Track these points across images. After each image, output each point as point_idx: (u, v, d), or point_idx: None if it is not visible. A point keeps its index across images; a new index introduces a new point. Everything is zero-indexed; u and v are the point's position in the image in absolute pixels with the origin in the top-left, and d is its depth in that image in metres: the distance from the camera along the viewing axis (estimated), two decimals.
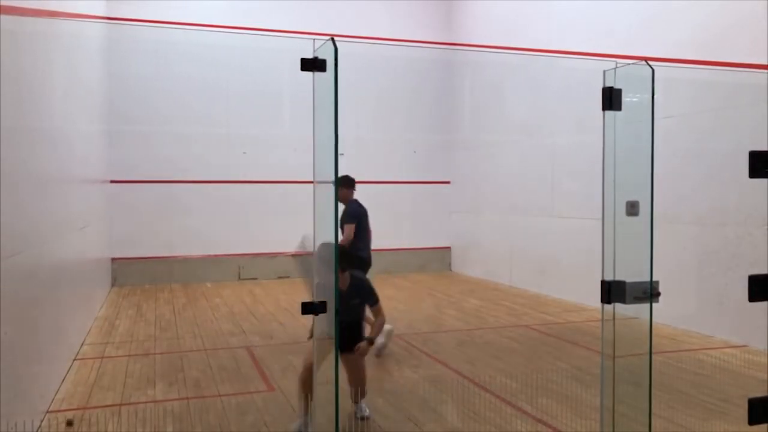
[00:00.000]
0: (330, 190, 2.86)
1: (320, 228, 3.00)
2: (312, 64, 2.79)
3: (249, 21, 11.42)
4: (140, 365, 5.90)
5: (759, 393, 1.96)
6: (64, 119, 6.20)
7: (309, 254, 3.27)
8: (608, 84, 2.98)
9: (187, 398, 4.92)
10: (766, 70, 6.10)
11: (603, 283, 2.92)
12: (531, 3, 10.28)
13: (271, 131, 11.58)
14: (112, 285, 10.86)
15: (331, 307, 2.88)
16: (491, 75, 11.85)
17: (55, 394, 4.97)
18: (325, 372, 3.22)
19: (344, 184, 6.45)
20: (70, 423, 4.40)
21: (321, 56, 2.79)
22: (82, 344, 6.69)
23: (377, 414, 4.49)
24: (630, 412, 3.10)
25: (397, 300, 9.36)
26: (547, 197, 9.85)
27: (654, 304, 2.90)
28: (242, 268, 11.68)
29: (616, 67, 2.97)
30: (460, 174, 12.76)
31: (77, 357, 6.18)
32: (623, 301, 2.87)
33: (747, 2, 6.46)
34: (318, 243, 3.08)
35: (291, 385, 5.02)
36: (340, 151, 2.74)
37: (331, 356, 3.00)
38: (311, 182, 2.95)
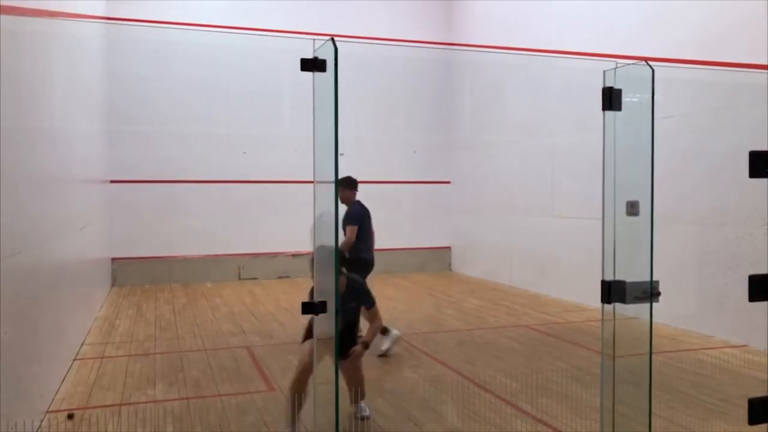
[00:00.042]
0: (330, 190, 2.86)
1: (320, 228, 3.00)
2: (312, 64, 2.79)
3: (249, 21, 11.42)
4: (140, 365, 5.89)
5: (759, 393, 1.96)
6: (64, 119, 6.20)
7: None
8: (608, 84, 2.98)
9: (187, 398, 4.92)
10: (766, 70, 6.10)
11: (603, 283, 2.92)
12: (531, 3, 10.28)
13: (271, 131, 11.58)
14: (112, 285, 10.86)
15: (331, 307, 2.88)
16: (491, 75, 11.85)
17: (55, 394, 4.97)
18: (324, 372, 3.22)
19: (346, 186, 6.40)
20: (70, 416, 4.42)
21: (321, 56, 2.79)
22: (82, 344, 6.69)
23: (377, 414, 4.49)
24: (630, 412, 3.10)
25: (397, 300, 9.36)
26: (547, 197, 9.85)
27: (654, 304, 2.90)
28: (242, 268, 11.68)
29: (616, 68, 2.96)
30: (460, 174, 12.76)
31: (77, 357, 6.18)
32: (623, 301, 2.86)
33: (747, 2, 6.46)
34: (317, 244, 3.08)
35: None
36: (340, 151, 2.74)
37: (328, 358, 2.99)
38: (311, 182, 2.95)
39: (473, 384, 5.24)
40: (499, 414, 4.53)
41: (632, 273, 2.88)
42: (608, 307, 2.94)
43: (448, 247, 13.06)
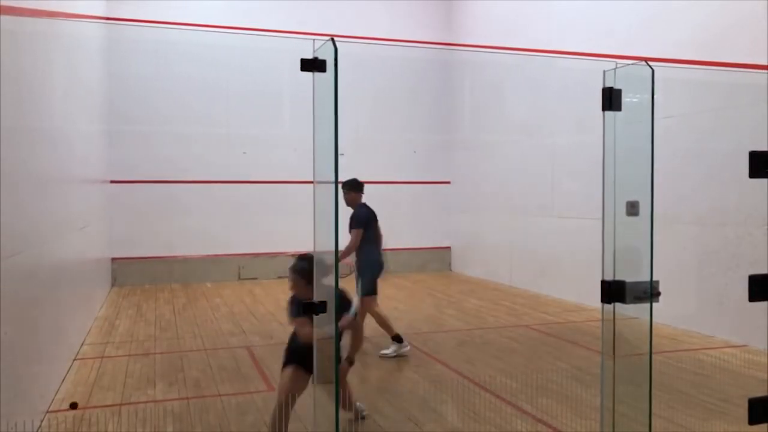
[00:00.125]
0: (330, 191, 2.85)
1: (320, 229, 2.99)
2: (312, 65, 2.79)
3: (249, 21, 11.42)
4: (140, 365, 5.90)
5: (759, 393, 1.96)
6: (64, 119, 6.20)
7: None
8: (608, 84, 2.97)
9: (187, 398, 4.92)
10: (766, 70, 6.10)
11: (603, 283, 2.92)
12: (531, 3, 10.28)
13: (271, 131, 11.58)
14: (112, 285, 10.86)
15: (331, 308, 2.88)
16: (491, 75, 11.85)
17: (55, 394, 4.97)
18: (324, 372, 3.22)
19: (352, 188, 6.33)
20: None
21: (321, 56, 2.78)
22: (82, 344, 6.69)
23: (377, 414, 4.49)
24: (630, 412, 3.10)
25: (397, 300, 9.36)
26: (547, 197, 9.85)
27: (654, 304, 2.89)
28: (242, 268, 11.68)
29: (616, 68, 2.96)
30: (460, 174, 12.76)
31: (77, 357, 6.18)
32: (623, 301, 2.86)
33: (747, 2, 6.46)
34: (317, 248, 3.06)
35: None
36: (340, 152, 2.74)
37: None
38: (311, 182, 2.95)
39: (473, 384, 5.24)
40: (499, 414, 4.53)
41: (632, 273, 2.88)
42: (608, 307, 2.94)
43: (448, 247, 13.06)
